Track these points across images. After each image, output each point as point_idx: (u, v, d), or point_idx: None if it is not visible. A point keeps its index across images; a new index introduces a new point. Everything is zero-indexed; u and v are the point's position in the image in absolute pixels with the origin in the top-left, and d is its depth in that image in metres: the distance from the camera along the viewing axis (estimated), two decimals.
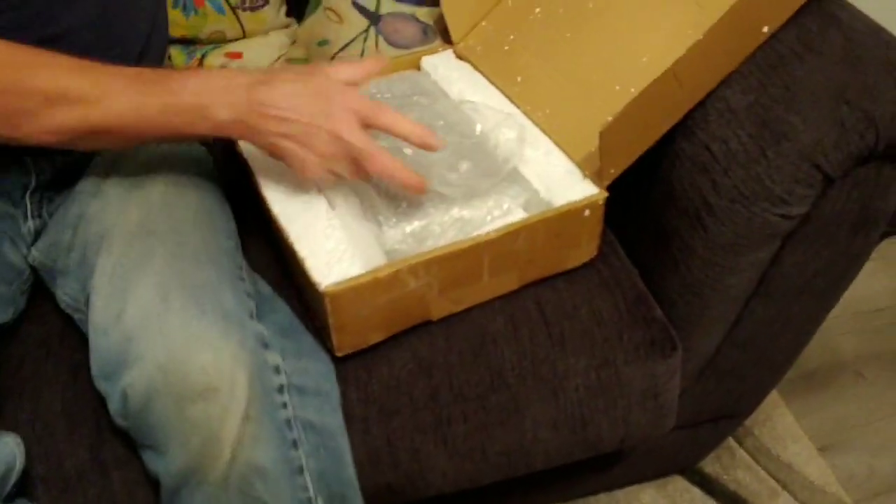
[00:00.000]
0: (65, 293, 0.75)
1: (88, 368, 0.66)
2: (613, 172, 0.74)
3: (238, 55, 1.01)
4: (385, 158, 0.68)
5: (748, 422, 1.09)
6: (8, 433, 0.66)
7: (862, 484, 1.10)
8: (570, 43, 0.84)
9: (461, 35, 0.94)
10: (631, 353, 0.76)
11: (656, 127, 0.74)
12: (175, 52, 1.00)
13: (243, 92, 0.65)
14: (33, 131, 0.63)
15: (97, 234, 0.71)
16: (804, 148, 0.68)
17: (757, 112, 0.71)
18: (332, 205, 0.74)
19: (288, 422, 0.64)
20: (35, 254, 0.78)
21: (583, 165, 0.77)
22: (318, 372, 0.69)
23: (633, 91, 0.69)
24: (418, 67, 0.94)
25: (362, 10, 0.99)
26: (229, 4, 0.97)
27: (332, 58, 0.99)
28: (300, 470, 0.64)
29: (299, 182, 0.76)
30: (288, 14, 1.04)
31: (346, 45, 0.99)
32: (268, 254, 0.80)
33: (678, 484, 1.09)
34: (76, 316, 0.74)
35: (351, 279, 0.67)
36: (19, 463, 0.65)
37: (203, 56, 1.00)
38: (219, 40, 1.00)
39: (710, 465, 1.10)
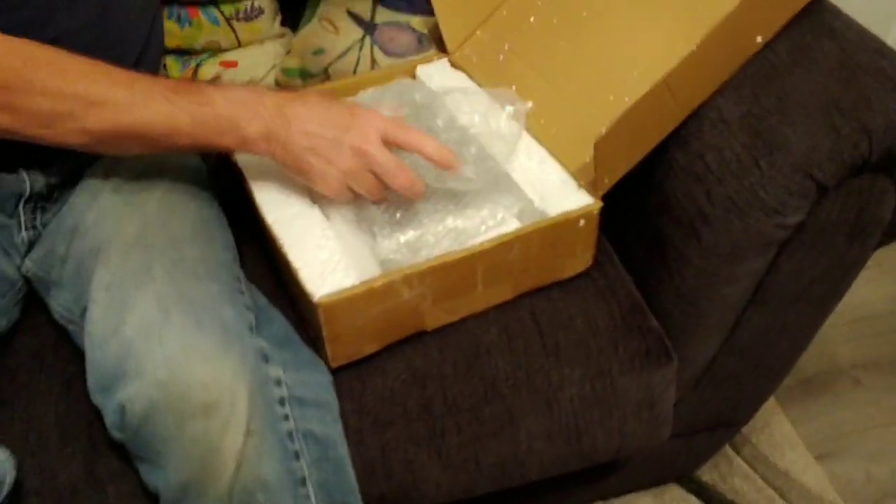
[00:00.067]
0: (59, 304, 0.75)
1: (82, 380, 0.66)
2: (608, 182, 0.74)
3: (233, 64, 1.01)
4: (406, 175, 0.70)
5: (746, 429, 1.08)
6: None
7: (859, 491, 1.10)
8: (564, 52, 0.84)
9: (456, 44, 0.94)
10: (626, 363, 0.76)
11: (650, 137, 0.74)
12: (170, 62, 1.00)
13: (273, 107, 0.67)
14: (65, 132, 0.64)
15: (93, 246, 0.71)
16: (798, 158, 0.68)
17: (750, 122, 0.71)
18: (326, 215, 0.74)
19: (290, 434, 0.64)
20: (28, 264, 0.78)
21: (578, 175, 0.77)
22: (318, 383, 0.69)
23: (628, 101, 0.69)
24: (413, 76, 0.94)
25: (357, 19, 0.99)
26: (224, 15, 0.97)
27: (328, 67, 0.99)
28: (303, 481, 0.65)
29: (293, 191, 0.76)
30: (283, 24, 1.04)
31: (342, 55, 0.99)
32: (261, 263, 0.80)
33: (675, 492, 1.08)
34: (70, 328, 0.74)
35: (345, 290, 0.67)
36: (10, 476, 0.64)
37: (198, 65, 1.00)
38: (214, 50, 1.00)
39: (707, 473, 1.10)
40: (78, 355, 0.72)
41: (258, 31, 1.00)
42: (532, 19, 0.89)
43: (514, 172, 0.78)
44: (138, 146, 0.68)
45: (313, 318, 0.68)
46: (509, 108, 0.81)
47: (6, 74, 0.62)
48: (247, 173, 0.78)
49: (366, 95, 0.89)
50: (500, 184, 0.77)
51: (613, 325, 0.78)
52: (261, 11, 0.98)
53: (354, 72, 0.98)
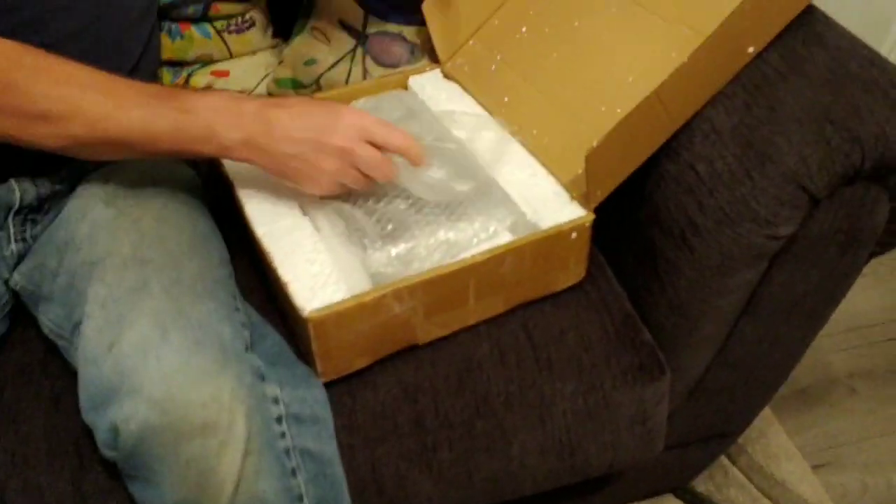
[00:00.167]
0: (48, 319, 0.74)
1: (71, 396, 0.66)
2: (600, 195, 0.74)
3: (225, 74, 1.01)
4: (389, 167, 0.71)
5: (741, 439, 1.08)
6: None
7: (855, 502, 1.09)
8: (556, 63, 0.84)
9: (448, 54, 0.94)
10: (619, 377, 0.75)
11: (642, 150, 0.73)
12: (162, 72, 0.99)
13: (253, 113, 0.67)
14: (43, 136, 0.64)
15: (87, 262, 0.70)
16: (789, 169, 0.68)
17: (742, 133, 0.71)
18: (317, 227, 0.74)
19: (287, 451, 0.64)
20: (17, 277, 0.77)
21: (570, 187, 0.77)
22: (315, 399, 0.69)
23: (620, 112, 0.69)
24: (406, 87, 0.94)
25: (349, 29, 0.99)
26: (215, 28, 0.96)
27: (319, 77, 0.99)
28: (300, 498, 0.65)
29: (284, 203, 0.75)
30: (274, 35, 1.03)
31: (334, 65, 0.99)
32: (252, 275, 0.79)
33: (670, 503, 1.08)
34: (59, 343, 0.73)
35: (335, 304, 0.66)
36: None
37: (189, 75, 1.00)
38: (206, 61, 1.00)
39: (702, 484, 1.09)
40: (67, 371, 0.72)
41: (249, 42, 0.99)
42: (524, 29, 0.89)
43: (507, 185, 0.78)
44: (117, 152, 0.68)
45: (303, 333, 0.68)
46: (489, 136, 0.82)
47: None
48: (236, 185, 0.77)
49: (358, 105, 0.88)
50: (492, 196, 0.77)
51: (606, 339, 0.77)
52: (252, 23, 0.98)
53: (346, 82, 0.98)
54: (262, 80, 1.01)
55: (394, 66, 0.98)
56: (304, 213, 0.75)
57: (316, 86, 0.99)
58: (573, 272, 0.79)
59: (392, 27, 0.98)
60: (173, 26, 0.95)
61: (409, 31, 0.98)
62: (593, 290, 0.81)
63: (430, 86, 0.92)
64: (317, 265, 0.70)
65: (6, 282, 0.77)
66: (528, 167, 0.80)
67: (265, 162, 0.69)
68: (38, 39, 0.66)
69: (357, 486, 0.71)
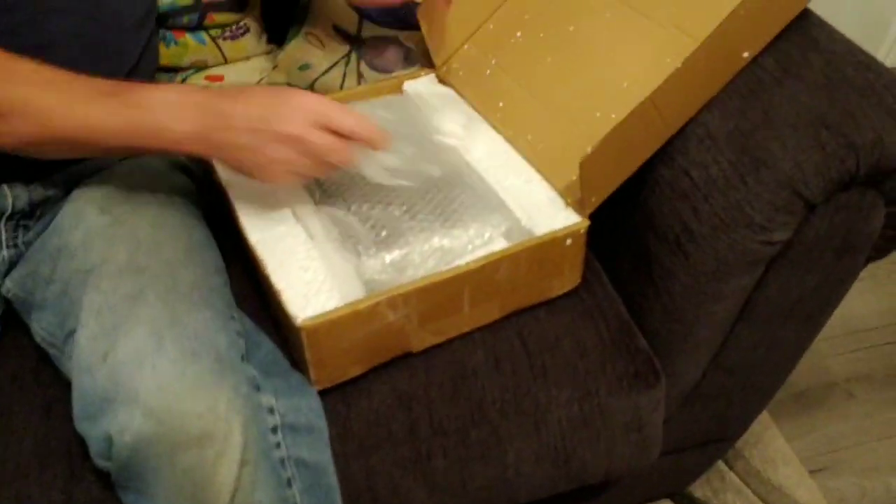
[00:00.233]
0: (41, 327, 0.74)
1: (63, 405, 0.65)
2: (595, 201, 0.73)
3: (219, 78, 1.01)
4: (344, 152, 0.67)
5: (738, 444, 1.08)
6: None
7: None
8: (550, 67, 0.84)
9: (443, 59, 0.93)
10: (614, 384, 0.75)
11: (636, 156, 0.73)
12: (157, 77, 0.99)
13: (200, 106, 0.65)
14: None
15: (81, 270, 0.69)
16: (784, 174, 0.67)
17: (736, 138, 0.70)
18: (311, 234, 0.74)
19: (282, 461, 0.64)
20: (9, 284, 0.77)
21: (565, 193, 0.76)
22: (310, 408, 0.68)
23: (614, 117, 0.69)
24: (400, 92, 0.93)
25: (344, 34, 0.99)
26: (210, 35, 0.96)
27: (314, 82, 0.99)
28: None
29: (277, 210, 0.75)
30: (269, 42, 1.03)
31: (328, 70, 0.99)
32: (245, 282, 0.79)
33: None
34: (51, 351, 0.73)
35: (328, 312, 0.66)
36: None
37: (184, 80, 1.00)
38: (201, 66, 0.99)
39: (699, 489, 1.09)
40: (59, 379, 0.71)
41: (244, 49, 0.99)
42: (519, 34, 0.89)
43: (502, 191, 0.78)
44: (73, 150, 0.67)
45: (297, 341, 0.68)
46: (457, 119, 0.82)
47: None
48: (230, 191, 0.77)
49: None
50: (487, 202, 0.77)
51: (601, 346, 0.77)
52: (247, 30, 0.98)
53: (341, 87, 0.98)
54: (258, 83, 1.01)
55: (388, 70, 0.98)
56: (298, 220, 0.75)
57: (310, 91, 0.99)
58: (568, 278, 0.79)
59: (387, 31, 0.98)
60: (168, 34, 0.95)
61: (403, 36, 0.98)
62: (588, 296, 0.80)
63: (424, 91, 0.91)
64: (310, 272, 0.70)
65: None
66: (522, 173, 0.80)
67: (216, 154, 0.68)
68: (34, 40, 0.65)
69: (351, 495, 0.71)
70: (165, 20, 0.93)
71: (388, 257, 0.72)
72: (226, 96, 0.66)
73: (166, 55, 0.96)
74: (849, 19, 0.80)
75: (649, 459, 0.81)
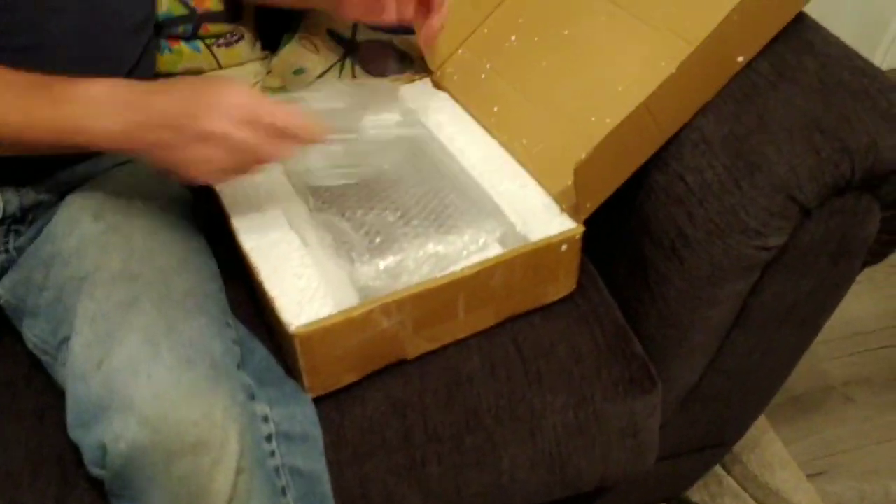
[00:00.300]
0: (33, 334, 0.73)
1: (55, 412, 0.65)
2: (590, 207, 0.73)
3: None
4: (273, 147, 0.64)
5: (736, 448, 1.07)
6: None
7: None
8: (545, 71, 0.84)
9: (438, 63, 0.93)
10: (609, 390, 0.75)
11: (631, 161, 0.73)
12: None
13: (125, 103, 0.63)
14: None
15: (75, 277, 0.69)
16: (778, 179, 0.67)
17: (731, 143, 0.70)
18: (304, 241, 0.73)
19: (276, 469, 0.64)
20: (0, 291, 0.76)
21: (560, 199, 0.76)
22: (305, 416, 0.68)
23: (609, 122, 0.68)
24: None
25: (338, 38, 0.98)
26: (204, 43, 0.96)
27: (309, 86, 0.98)
28: None
29: (272, 217, 0.75)
30: (263, 48, 1.03)
31: (323, 74, 0.98)
32: (240, 289, 0.78)
33: None
34: (44, 358, 0.73)
35: (322, 320, 0.66)
36: None
37: None
38: (196, 73, 0.99)
39: (697, 494, 1.09)
40: (52, 386, 0.71)
41: (238, 55, 0.99)
42: (514, 38, 0.88)
43: (496, 196, 0.77)
44: (11, 147, 0.65)
45: (290, 349, 0.67)
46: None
47: None
48: (223, 198, 0.77)
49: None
50: (481, 208, 0.76)
51: (597, 352, 0.76)
52: (241, 37, 0.98)
53: None
54: (252, 87, 1.01)
55: (383, 74, 0.98)
56: (292, 227, 0.74)
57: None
58: (563, 284, 0.79)
59: (382, 35, 0.98)
60: (163, 42, 0.95)
61: (398, 40, 0.98)
62: (584, 301, 0.80)
63: (420, 96, 0.91)
64: (304, 279, 0.69)
65: None
66: (517, 178, 0.80)
67: (141, 152, 0.64)
68: (34, 40, 0.65)
69: (346, 503, 0.70)
70: (160, 30, 0.93)
71: (383, 264, 0.72)
72: (154, 92, 0.63)
73: (161, 62, 0.96)
74: (847, 19, 0.79)
75: (645, 465, 0.81)
